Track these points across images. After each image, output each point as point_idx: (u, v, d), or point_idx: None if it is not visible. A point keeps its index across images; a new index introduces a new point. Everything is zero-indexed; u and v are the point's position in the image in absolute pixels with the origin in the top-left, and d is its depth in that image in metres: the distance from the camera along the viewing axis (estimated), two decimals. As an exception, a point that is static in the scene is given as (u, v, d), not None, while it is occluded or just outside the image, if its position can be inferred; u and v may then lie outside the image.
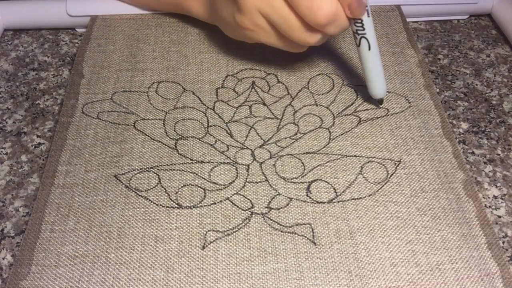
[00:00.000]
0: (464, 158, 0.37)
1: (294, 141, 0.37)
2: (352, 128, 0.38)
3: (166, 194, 0.34)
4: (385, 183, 0.35)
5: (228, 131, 0.38)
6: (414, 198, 0.34)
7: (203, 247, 0.31)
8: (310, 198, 0.34)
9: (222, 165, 0.36)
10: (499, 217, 0.35)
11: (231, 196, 0.34)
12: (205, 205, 0.33)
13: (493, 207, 0.35)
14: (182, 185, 0.34)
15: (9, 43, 0.49)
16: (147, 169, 0.35)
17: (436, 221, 0.33)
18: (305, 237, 0.32)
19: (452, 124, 0.41)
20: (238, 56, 0.44)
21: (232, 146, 0.37)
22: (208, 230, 0.32)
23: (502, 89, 0.44)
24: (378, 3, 0.49)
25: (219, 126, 0.38)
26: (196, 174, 0.35)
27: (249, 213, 0.33)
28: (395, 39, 0.46)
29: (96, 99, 0.40)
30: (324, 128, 0.38)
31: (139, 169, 0.35)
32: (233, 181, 0.35)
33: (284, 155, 0.36)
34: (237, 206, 0.33)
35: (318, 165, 0.36)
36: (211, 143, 0.37)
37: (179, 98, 0.40)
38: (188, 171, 0.35)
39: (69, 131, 0.38)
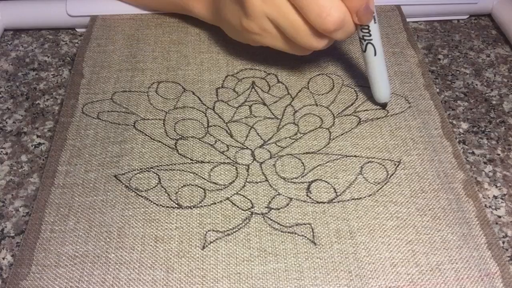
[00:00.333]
0: (464, 158, 0.37)
1: (294, 141, 0.37)
2: (352, 128, 0.38)
3: (166, 194, 0.34)
4: (385, 184, 0.35)
5: (228, 131, 0.38)
6: (414, 199, 0.34)
7: (203, 247, 0.31)
8: (310, 198, 0.34)
9: (222, 165, 0.36)
10: (499, 217, 0.35)
11: (231, 196, 0.34)
12: (205, 205, 0.33)
13: (493, 207, 0.35)
14: (182, 185, 0.34)
15: (9, 43, 0.49)
16: (147, 169, 0.35)
17: (436, 221, 0.33)
18: (305, 237, 0.32)
19: (452, 124, 0.41)
20: (238, 56, 0.44)
21: (232, 146, 0.37)
22: (208, 230, 0.32)
23: (502, 89, 0.44)
24: (378, 3, 0.49)
25: (219, 126, 0.38)
26: (196, 174, 0.35)
27: (249, 213, 0.33)
28: (395, 39, 0.46)
29: (96, 99, 0.40)
30: (324, 128, 0.38)
31: (139, 169, 0.35)
32: (233, 181, 0.35)
33: (284, 155, 0.36)
34: (237, 206, 0.33)
35: (318, 165, 0.36)
36: (211, 143, 0.37)
37: (179, 98, 0.40)
38: (188, 171, 0.35)
39: (69, 131, 0.38)
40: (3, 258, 0.33)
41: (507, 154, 0.39)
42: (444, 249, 0.31)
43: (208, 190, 0.34)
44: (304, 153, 0.36)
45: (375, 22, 0.36)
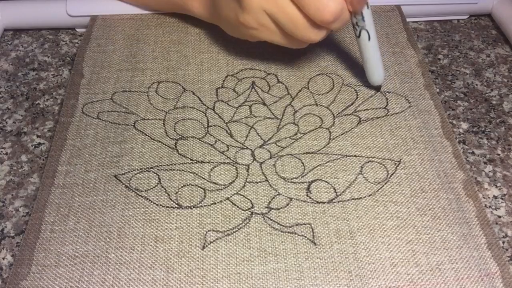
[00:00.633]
0: (464, 158, 0.37)
1: (294, 141, 0.37)
2: (352, 128, 0.38)
3: (166, 194, 0.34)
4: (385, 183, 0.35)
5: (228, 131, 0.38)
6: (414, 198, 0.34)
7: (203, 247, 0.31)
8: (310, 198, 0.34)
9: (222, 165, 0.36)
10: (499, 217, 0.35)
11: (231, 196, 0.34)
12: (205, 205, 0.33)
13: (493, 207, 0.35)
14: (182, 185, 0.34)
15: (9, 43, 0.49)
16: (147, 169, 0.35)
17: (436, 221, 0.33)
18: (305, 237, 0.32)
19: (452, 124, 0.41)
20: (238, 56, 0.44)
21: (232, 146, 0.37)
22: (208, 230, 0.32)
23: (502, 89, 0.44)
24: (378, 3, 0.49)
25: (219, 126, 0.38)
26: (196, 174, 0.35)
27: (249, 213, 0.33)
28: (395, 39, 0.46)
29: (96, 99, 0.40)
30: (324, 128, 0.38)
31: (139, 169, 0.35)
32: (233, 181, 0.35)
33: (284, 155, 0.36)
34: (237, 206, 0.33)
35: (318, 165, 0.36)
36: (211, 143, 0.37)
37: (179, 98, 0.40)
38: (188, 171, 0.35)
39: (69, 131, 0.38)
40: (3, 258, 0.33)
41: (507, 154, 0.39)
42: (444, 249, 0.31)
43: (208, 190, 0.34)
44: (304, 153, 0.36)
45: (367, 8, 0.36)
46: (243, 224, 0.32)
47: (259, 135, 0.38)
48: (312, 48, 0.44)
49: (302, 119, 0.39)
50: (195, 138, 0.37)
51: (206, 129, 0.38)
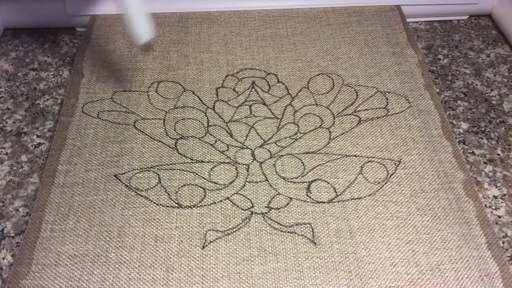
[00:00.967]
0: (464, 158, 0.37)
1: (294, 141, 0.37)
2: (352, 128, 0.38)
3: (166, 194, 0.34)
4: (385, 183, 0.35)
5: (228, 130, 0.38)
6: (414, 198, 0.34)
7: (203, 247, 0.31)
8: (310, 198, 0.34)
9: (222, 164, 0.36)
10: (499, 217, 0.35)
11: (231, 196, 0.34)
12: (205, 205, 0.33)
13: (493, 207, 0.35)
14: (182, 184, 0.34)
15: (9, 43, 0.49)
16: (147, 169, 0.35)
17: (436, 221, 0.33)
18: (305, 236, 0.32)
19: (452, 124, 0.41)
20: (238, 56, 0.44)
21: (232, 145, 0.37)
22: (208, 230, 0.32)
23: (502, 89, 0.44)
24: (378, 3, 0.49)
25: (219, 125, 0.38)
26: (196, 174, 0.35)
27: (249, 212, 0.33)
28: (395, 39, 0.46)
29: (96, 99, 0.40)
30: (324, 128, 0.38)
31: (139, 168, 0.35)
32: (233, 180, 0.35)
33: (284, 155, 0.36)
34: (237, 206, 0.33)
35: (318, 165, 0.36)
36: (211, 143, 0.37)
37: (179, 97, 0.40)
38: (188, 171, 0.35)
39: (69, 131, 0.38)
40: (3, 258, 0.33)
41: (507, 154, 0.39)
42: (444, 249, 0.31)
43: (208, 190, 0.34)
44: (304, 153, 0.36)
45: None
46: (243, 224, 0.32)
47: (259, 135, 0.38)
48: (312, 48, 0.44)
49: (302, 119, 0.39)
50: (195, 137, 0.37)
51: (206, 128, 0.38)
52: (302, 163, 0.36)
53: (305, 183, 0.35)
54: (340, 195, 0.34)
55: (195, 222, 0.32)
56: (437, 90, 0.44)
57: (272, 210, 0.33)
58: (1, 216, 0.35)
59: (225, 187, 0.34)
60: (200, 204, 0.33)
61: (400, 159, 0.36)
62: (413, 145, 0.37)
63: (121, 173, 0.35)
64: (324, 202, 0.34)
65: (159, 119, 0.39)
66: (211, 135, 0.38)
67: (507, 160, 0.38)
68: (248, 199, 0.34)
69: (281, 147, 0.37)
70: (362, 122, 0.39)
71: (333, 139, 0.37)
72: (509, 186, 0.37)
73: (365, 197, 0.34)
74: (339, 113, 0.39)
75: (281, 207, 0.33)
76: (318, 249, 0.31)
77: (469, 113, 0.42)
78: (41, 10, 0.49)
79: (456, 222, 0.33)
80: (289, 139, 0.37)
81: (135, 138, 0.37)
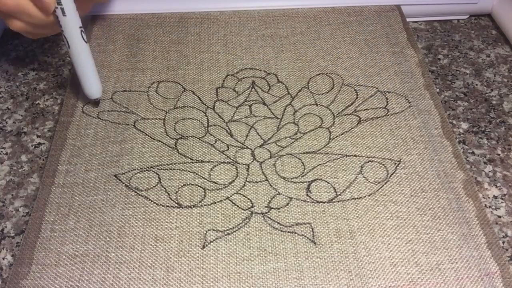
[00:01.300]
0: (464, 158, 0.37)
1: (294, 141, 0.37)
2: (352, 128, 0.38)
3: (166, 194, 0.34)
4: (385, 183, 0.35)
5: (228, 130, 0.38)
6: (414, 198, 0.34)
7: (203, 247, 0.31)
8: (310, 197, 0.34)
9: (222, 164, 0.36)
10: (499, 217, 0.35)
11: (231, 196, 0.34)
12: (205, 205, 0.33)
13: (493, 207, 0.35)
14: (182, 184, 0.34)
15: (9, 43, 0.49)
16: (147, 169, 0.35)
17: (436, 221, 0.33)
18: (305, 236, 0.32)
19: (452, 124, 0.41)
20: (238, 56, 0.44)
21: (232, 145, 0.37)
22: (208, 230, 0.32)
23: (502, 89, 0.44)
24: (378, 3, 0.49)
25: (219, 125, 0.38)
26: (196, 174, 0.35)
27: (249, 212, 0.33)
28: (395, 39, 0.46)
29: (96, 99, 0.40)
30: (324, 127, 0.38)
31: (139, 168, 0.35)
32: (233, 180, 0.35)
33: (284, 155, 0.36)
34: (237, 206, 0.33)
35: (318, 165, 0.36)
36: (211, 143, 0.37)
37: (179, 97, 0.40)
38: (188, 171, 0.35)
39: (69, 131, 0.38)
40: (3, 258, 0.33)
41: (507, 154, 0.39)
42: (444, 248, 0.31)
43: (208, 190, 0.34)
44: (304, 153, 0.36)
45: (64, 15, 0.35)
46: (243, 224, 0.32)
47: (259, 135, 0.38)
48: (312, 48, 0.44)
49: (302, 118, 0.39)
50: (195, 137, 0.37)
51: (206, 128, 0.38)
52: (302, 163, 0.36)
53: (305, 183, 0.35)
54: (340, 195, 0.34)
55: (195, 222, 0.32)
56: (437, 90, 0.44)
57: (272, 210, 0.33)
58: (1, 216, 0.35)
59: (225, 187, 0.34)
60: (200, 204, 0.33)
61: (400, 159, 0.36)
62: (413, 145, 0.37)
63: (121, 173, 0.35)
64: (324, 202, 0.34)
65: (159, 119, 0.39)
66: (211, 135, 0.38)
67: (507, 160, 0.38)
68: (248, 199, 0.34)
69: (281, 147, 0.37)
70: (362, 122, 0.39)
71: (333, 139, 0.37)
72: (509, 186, 0.37)
73: (365, 197, 0.34)
74: (339, 113, 0.39)
75: (281, 207, 0.33)
76: (318, 249, 0.31)
77: (469, 113, 0.42)
78: (41, 10, 0.49)
79: (456, 222, 0.33)
80: (289, 139, 0.37)
81: (135, 138, 0.37)
